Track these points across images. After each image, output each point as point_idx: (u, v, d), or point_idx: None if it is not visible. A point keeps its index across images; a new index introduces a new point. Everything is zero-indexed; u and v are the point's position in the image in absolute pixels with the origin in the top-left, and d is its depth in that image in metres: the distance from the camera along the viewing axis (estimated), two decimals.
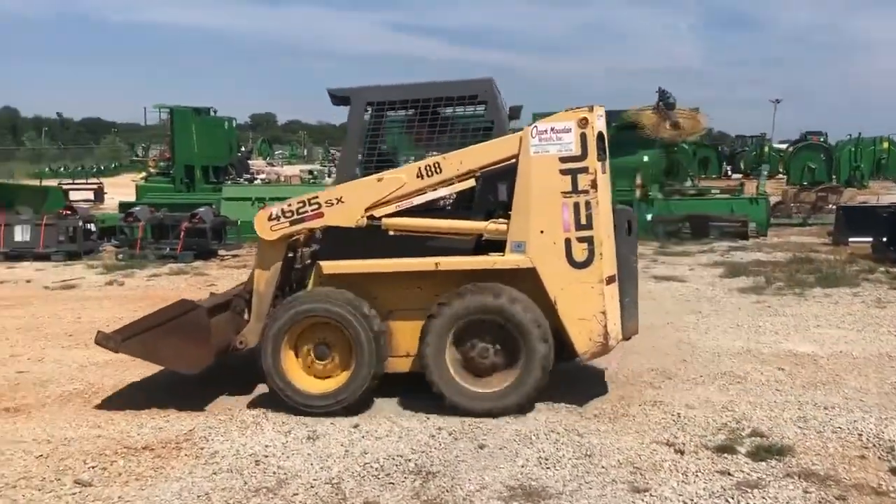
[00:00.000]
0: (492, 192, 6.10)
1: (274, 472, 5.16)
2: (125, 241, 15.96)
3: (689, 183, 22.42)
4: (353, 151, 6.56)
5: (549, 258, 5.85)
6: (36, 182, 29.31)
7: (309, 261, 6.78)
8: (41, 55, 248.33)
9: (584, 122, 5.77)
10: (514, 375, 5.91)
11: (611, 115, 7.49)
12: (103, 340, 6.44)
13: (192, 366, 6.23)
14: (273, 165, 45.47)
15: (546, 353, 5.82)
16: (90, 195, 28.59)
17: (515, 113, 6.89)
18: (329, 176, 36.31)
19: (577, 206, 5.79)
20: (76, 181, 33.68)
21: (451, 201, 6.42)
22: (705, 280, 12.56)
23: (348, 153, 6.65)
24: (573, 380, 6.79)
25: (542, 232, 5.85)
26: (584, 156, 5.78)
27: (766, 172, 26.26)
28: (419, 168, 6.10)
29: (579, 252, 5.82)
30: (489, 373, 6.01)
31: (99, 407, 6.57)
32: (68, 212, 16.66)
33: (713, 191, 21.27)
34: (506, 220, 5.97)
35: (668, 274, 13.07)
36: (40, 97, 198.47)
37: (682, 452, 5.34)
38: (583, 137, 5.78)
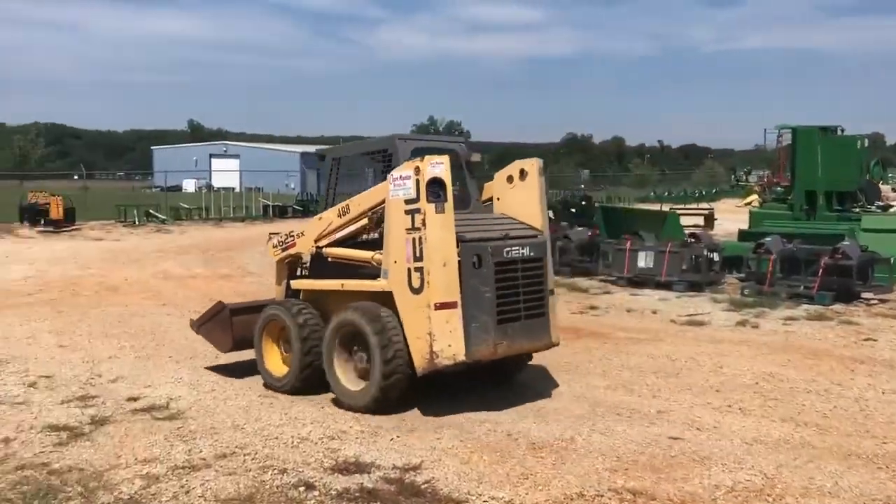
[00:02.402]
0: None
1: None
2: (752, 275, 14.18)
3: None
4: (325, 195, 8.32)
5: (399, 285, 6.90)
6: (653, 207, 29.90)
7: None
8: (645, 88, 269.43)
9: (417, 171, 6.75)
10: (368, 381, 7.05)
11: None
12: (192, 324, 9.26)
13: (222, 349, 8.87)
14: None
15: (384, 362, 6.85)
16: (699, 220, 27.91)
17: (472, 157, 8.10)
18: None
19: (414, 241, 6.75)
20: (687, 206, 33.65)
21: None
22: None
23: (324, 196, 8.43)
24: None
25: (395, 262, 6.94)
26: (417, 199, 6.74)
27: None
28: (339, 209, 7.66)
29: (416, 280, 6.75)
30: (367, 376, 7.11)
31: None
32: (692, 239, 15.70)
33: None
34: None
35: None
36: (644, 126, 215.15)
37: None
38: (417, 183, 6.73)
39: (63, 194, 29.83)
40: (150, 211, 32.93)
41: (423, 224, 6.71)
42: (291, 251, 8.27)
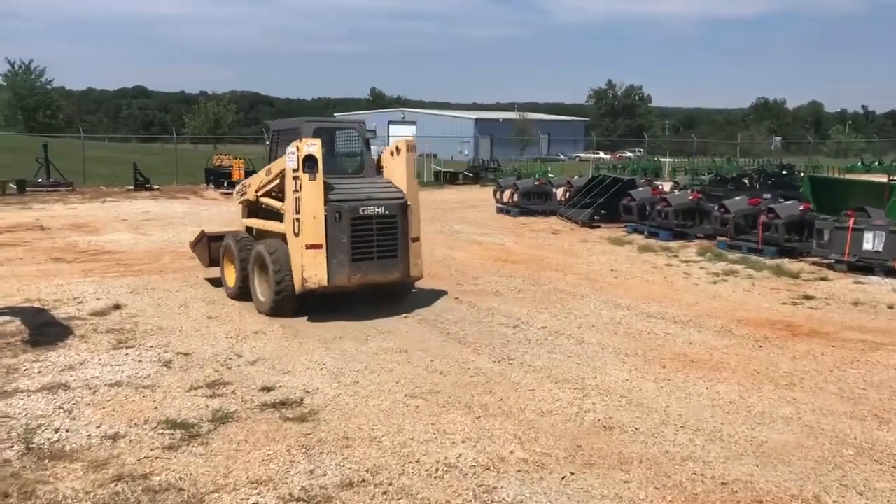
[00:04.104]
0: None
1: None
2: None
3: None
4: (268, 156, 10.77)
5: (289, 229, 9.44)
6: (867, 178, 26.05)
7: None
8: (848, 49, 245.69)
9: (298, 148, 9.14)
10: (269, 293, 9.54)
11: None
12: (190, 245, 12.41)
13: (203, 264, 11.74)
14: None
15: (276, 283, 9.34)
16: None
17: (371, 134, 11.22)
18: None
19: (297, 199, 9.21)
20: None
21: None
22: None
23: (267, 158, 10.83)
24: None
25: (288, 213, 9.45)
26: (298, 169, 9.15)
27: None
28: (267, 169, 10.33)
29: (296, 227, 9.26)
30: None
31: None
32: None
33: None
34: None
35: None
36: (845, 91, 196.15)
37: None
38: (298, 158, 9.11)
39: (245, 157, 30.47)
40: None
41: (300, 188, 9.15)
42: (245, 197, 11.04)
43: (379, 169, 10.32)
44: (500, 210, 22.41)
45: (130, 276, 12.01)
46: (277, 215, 9.92)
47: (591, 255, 14.99)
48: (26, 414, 6.00)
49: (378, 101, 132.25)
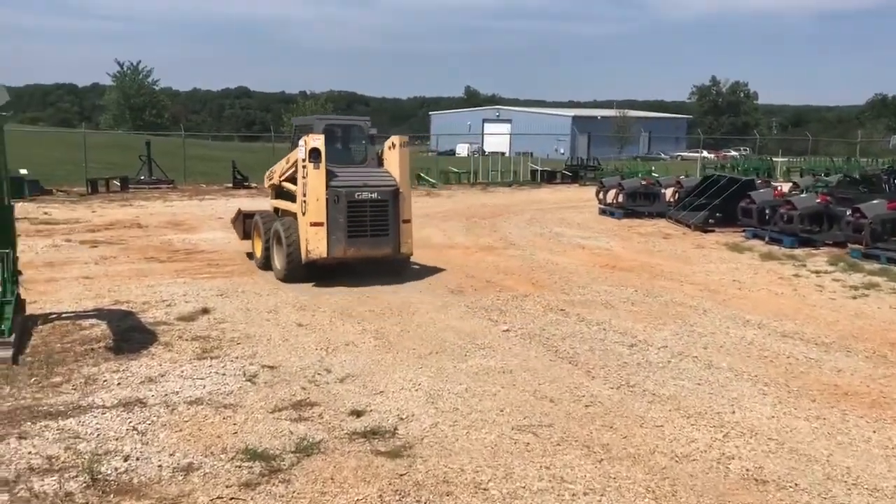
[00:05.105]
0: None
1: None
2: None
3: None
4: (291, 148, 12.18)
5: (298, 209, 11.13)
6: None
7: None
8: None
9: (306, 142, 10.86)
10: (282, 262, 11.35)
11: None
12: (230, 221, 14.36)
13: (239, 237, 13.45)
14: None
15: (286, 253, 11.11)
16: None
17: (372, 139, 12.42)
18: None
19: (304, 184, 10.93)
20: None
21: None
22: None
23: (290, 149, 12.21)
24: None
25: (298, 195, 11.19)
26: (305, 159, 10.82)
27: None
28: (286, 159, 11.97)
29: (303, 208, 10.95)
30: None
31: None
32: None
33: None
34: None
35: None
36: None
37: None
38: (306, 150, 10.80)
39: None
40: (421, 174, 32.55)
41: (306, 175, 10.84)
42: (271, 182, 12.86)
43: (381, 161, 11.92)
44: (602, 211, 21.25)
45: (221, 278, 11.62)
46: (293, 197, 11.53)
47: (707, 262, 13.74)
48: (98, 435, 5.48)
49: (472, 99, 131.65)
